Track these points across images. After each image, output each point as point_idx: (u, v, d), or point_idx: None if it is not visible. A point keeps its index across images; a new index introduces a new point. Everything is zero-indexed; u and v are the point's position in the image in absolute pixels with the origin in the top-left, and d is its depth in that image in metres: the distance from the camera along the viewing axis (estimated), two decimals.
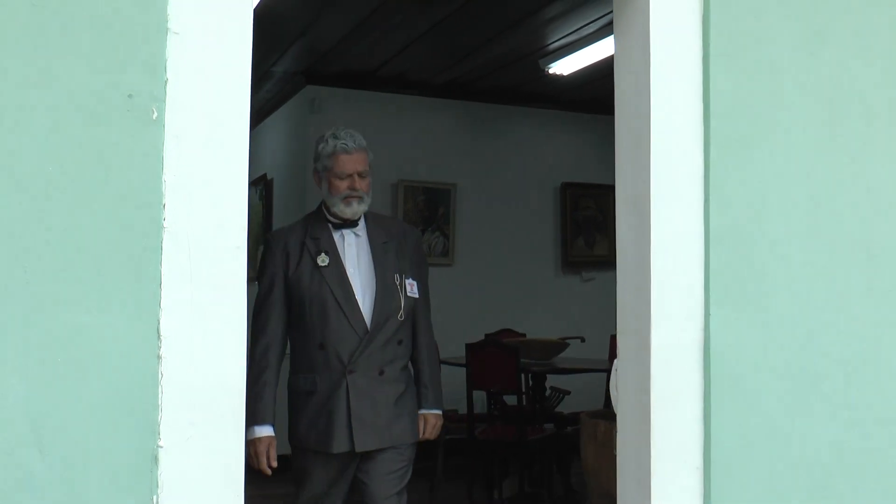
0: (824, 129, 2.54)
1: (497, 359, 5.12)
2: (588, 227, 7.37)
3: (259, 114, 7.29)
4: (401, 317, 2.91)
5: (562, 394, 5.79)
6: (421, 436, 3.10)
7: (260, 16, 4.48)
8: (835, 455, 2.51)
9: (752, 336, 2.40)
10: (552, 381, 5.75)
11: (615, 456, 2.56)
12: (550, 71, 6.04)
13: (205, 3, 1.81)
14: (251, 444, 2.83)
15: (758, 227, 2.43)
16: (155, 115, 1.73)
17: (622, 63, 2.46)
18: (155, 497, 1.69)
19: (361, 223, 3.04)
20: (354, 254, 2.93)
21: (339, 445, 2.85)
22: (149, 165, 1.72)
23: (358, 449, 2.87)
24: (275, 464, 2.88)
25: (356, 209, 2.92)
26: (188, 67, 1.78)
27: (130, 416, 1.68)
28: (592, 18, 5.18)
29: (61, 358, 1.63)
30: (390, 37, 5.54)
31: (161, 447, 1.70)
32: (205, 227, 1.75)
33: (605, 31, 5.30)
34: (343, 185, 2.91)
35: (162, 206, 1.73)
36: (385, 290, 2.89)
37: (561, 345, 5.83)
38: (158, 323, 1.70)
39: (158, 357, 1.70)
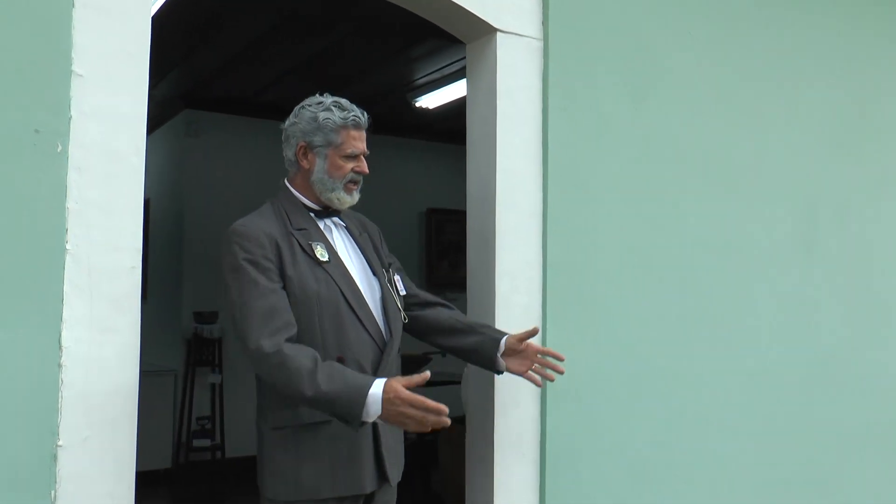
0: (645, 173, 2.91)
1: None
2: (452, 250, 7.67)
3: None
4: (405, 319, 2.30)
5: None
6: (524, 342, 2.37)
7: None
8: (652, 447, 2.86)
9: (583, 349, 2.72)
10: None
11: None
12: (417, 104, 6.33)
13: (106, 49, 1.98)
14: (389, 405, 1.93)
15: (589, 257, 2.76)
16: (59, 148, 1.89)
17: (473, 111, 2.75)
18: (53, 491, 1.84)
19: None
20: (344, 248, 2.25)
21: (372, 482, 2.14)
22: (53, 194, 1.88)
23: (393, 482, 2.22)
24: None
25: (355, 198, 2.24)
26: (90, 106, 1.94)
27: (33, 418, 1.82)
28: (455, 59, 5.49)
29: None
30: (267, 66, 5.69)
31: (60, 446, 1.85)
32: (103, 249, 1.92)
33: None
34: (348, 167, 2.19)
35: (65, 231, 1.88)
36: (388, 290, 2.26)
37: (423, 359, 6.09)
38: (60, 335, 1.86)
39: (59, 366, 1.85)
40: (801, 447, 3.25)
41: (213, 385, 5.90)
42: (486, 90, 2.68)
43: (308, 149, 2.19)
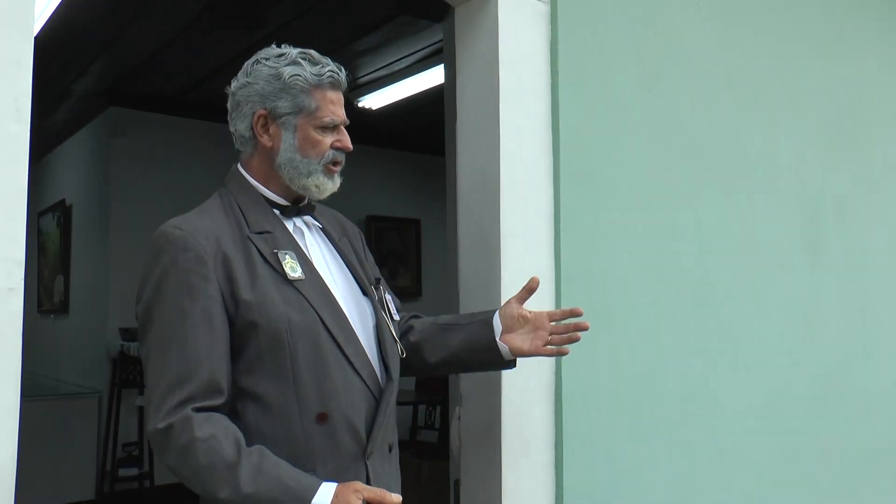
0: (659, 166, 2.31)
1: None
2: (391, 259, 7.03)
3: (58, 135, 6.37)
4: (402, 353, 1.58)
5: None
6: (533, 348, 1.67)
7: (58, 25, 3.45)
8: (675, 490, 2.26)
9: (601, 376, 2.09)
10: None
11: (443, 496, 2.19)
12: (359, 104, 5.64)
13: None
14: None
15: (605, 264, 2.14)
16: None
17: (466, 87, 2.09)
18: None
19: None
20: (322, 258, 1.54)
21: None
22: None
23: None
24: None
25: (336, 184, 1.54)
26: None
27: None
28: (404, 54, 4.84)
29: None
30: (199, 60, 4.93)
31: None
32: None
33: (416, 67, 5.00)
34: (327, 141, 1.50)
35: None
36: (382, 316, 1.56)
37: None
38: None
39: None
40: (812, 467, 2.71)
41: (140, 408, 5.07)
42: (484, 61, 2.03)
43: (270, 118, 1.48)
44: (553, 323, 1.67)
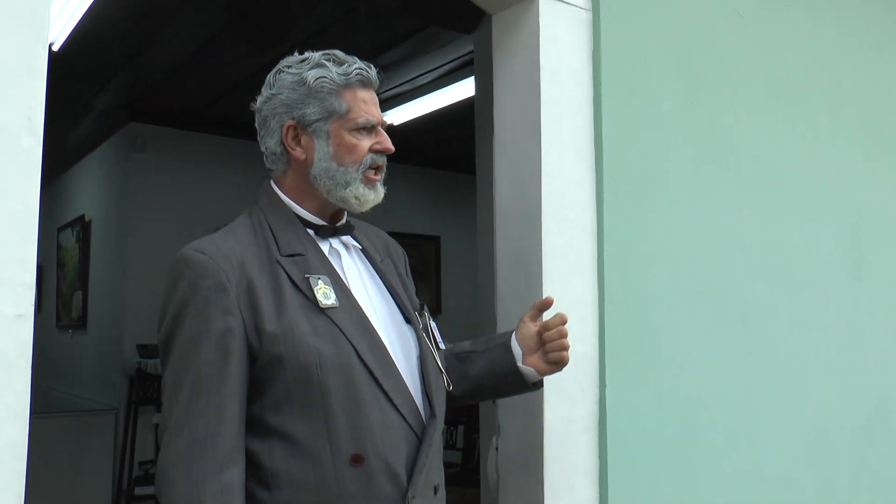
0: (701, 182, 2.17)
1: None
2: (412, 276, 6.92)
3: (79, 150, 6.30)
4: (449, 387, 1.44)
5: None
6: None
7: (79, 39, 3.34)
8: None
9: (647, 405, 1.95)
10: None
11: None
12: None
13: None
14: None
15: (650, 287, 2.00)
16: None
17: (504, 99, 1.97)
18: None
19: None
20: (360, 282, 1.39)
21: None
22: None
23: None
24: None
25: (380, 194, 1.40)
26: None
27: None
28: (428, 69, 4.73)
29: None
30: (219, 75, 4.84)
31: None
32: None
33: (440, 82, 4.89)
34: (365, 144, 1.37)
35: None
36: (427, 346, 1.40)
37: None
38: None
39: None
40: (861, 496, 2.55)
41: (157, 426, 4.95)
42: (524, 70, 1.91)
43: (299, 128, 1.35)
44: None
